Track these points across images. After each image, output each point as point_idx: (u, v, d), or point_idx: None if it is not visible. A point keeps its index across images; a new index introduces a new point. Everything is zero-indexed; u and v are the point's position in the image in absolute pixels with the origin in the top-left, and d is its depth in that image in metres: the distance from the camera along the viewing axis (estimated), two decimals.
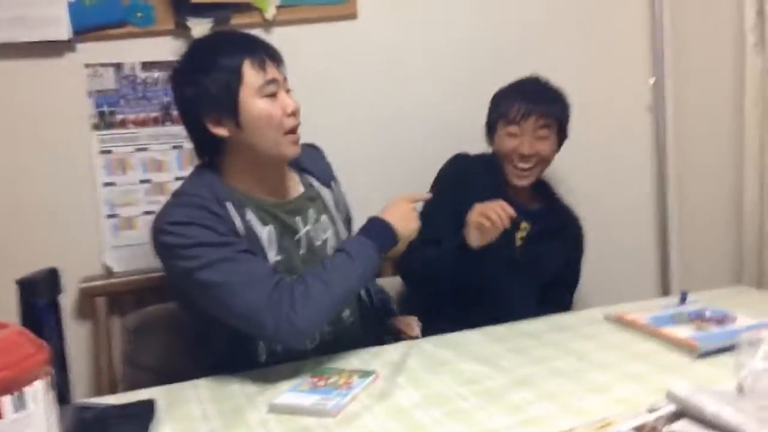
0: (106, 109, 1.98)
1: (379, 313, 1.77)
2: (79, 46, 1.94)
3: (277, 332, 1.36)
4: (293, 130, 1.50)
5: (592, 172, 2.39)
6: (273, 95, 1.47)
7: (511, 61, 2.18)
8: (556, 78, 2.00)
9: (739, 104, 2.20)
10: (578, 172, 2.32)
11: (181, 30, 2.00)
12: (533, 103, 1.90)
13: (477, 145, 2.03)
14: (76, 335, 1.96)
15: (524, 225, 1.94)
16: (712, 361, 1.34)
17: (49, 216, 1.95)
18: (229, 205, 1.45)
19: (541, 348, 1.48)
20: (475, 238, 1.69)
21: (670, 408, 1.08)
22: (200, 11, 2.00)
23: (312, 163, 1.68)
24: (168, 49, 1.99)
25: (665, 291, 2.46)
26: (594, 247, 2.11)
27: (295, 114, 1.49)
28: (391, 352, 1.53)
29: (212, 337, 1.51)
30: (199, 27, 2.00)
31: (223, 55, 1.46)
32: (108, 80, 1.97)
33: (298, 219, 1.56)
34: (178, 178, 2.00)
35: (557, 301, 1.92)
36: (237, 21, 2.05)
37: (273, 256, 1.49)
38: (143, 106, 2.01)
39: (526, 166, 1.91)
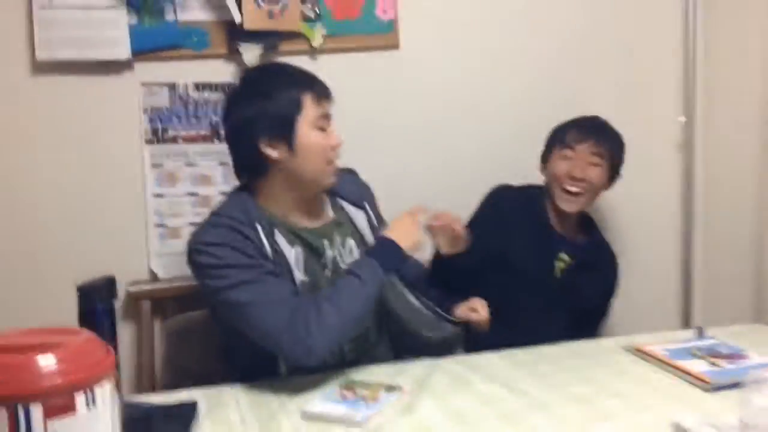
0: (159, 125, 2.11)
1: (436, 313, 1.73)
2: (137, 66, 2.09)
3: (293, 353, 1.46)
4: (331, 162, 1.62)
5: (621, 202, 2.45)
6: (324, 129, 1.59)
7: (546, 91, 2.28)
8: (588, 113, 2.09)
9: (765, 144, 2.25)
10: (609, 203, 2.39)
11: (233, 54, 2.13)
12: (590, 131, 2.02)
13: (519, 173, 2.13)
14: (121, 336, 2.09)
15: (564, 257, 2.03)
16: (722, 396, 1.39)
17: (103, 223, 2.09)
18: (259, 227, 1.55)
19: (559, 373, 1.56)
20: (439, 246, 1.76)
21: None
22: (252, 38, 2.12)
23: (344, 186, 1.76)
24: (219, 71, 2.14)
25: (686, 324, 2.51)
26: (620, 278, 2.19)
27: (338, 148, 1.62)
28: (416, 368, 1.61)
29: (237, 350, 1.63)
30: (250, 52, 2.12)
31: (287, 83, 1.59)
32: (162, 98, 2.11)
33: (324, 242, 1.65)
34: (222, 193, 2.12)
35: (585, 332, 1.97)
36: (285, 47, 2.17)
37: (300, 276, 1.58)
38: (193, 125, 2.14)
39: (575, 189, 2.00)
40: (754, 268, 2.33)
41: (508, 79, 2.37)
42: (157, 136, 2.11)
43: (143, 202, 2.12)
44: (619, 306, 2.22)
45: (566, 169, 1.99)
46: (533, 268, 2.02)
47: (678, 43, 2.48)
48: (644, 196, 2.50)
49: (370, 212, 1.79)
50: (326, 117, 1.60)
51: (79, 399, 0.83)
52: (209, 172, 2.16)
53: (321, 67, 2.06)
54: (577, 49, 2.42)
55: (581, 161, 1.99)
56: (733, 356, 1.59)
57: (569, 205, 2.01)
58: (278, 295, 1.49)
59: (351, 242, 1.71)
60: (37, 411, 0.80)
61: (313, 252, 1.63)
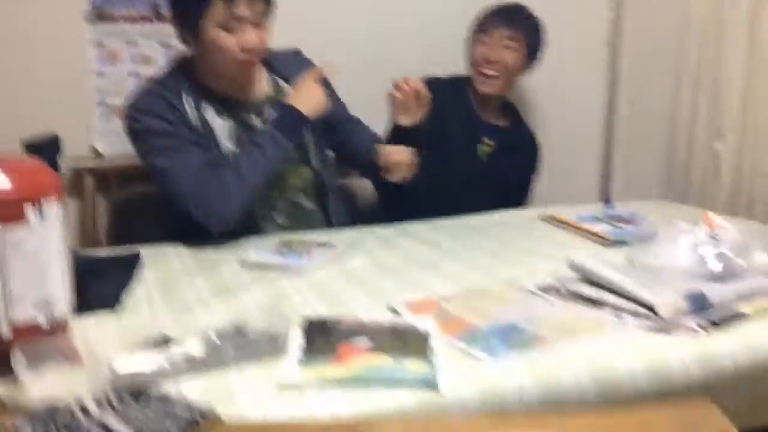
0: (100, 4, 2.12)
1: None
2: None
3: (199, 218, 1.59)
4: (246, 63, 1.65)
5: (549, 91, 2.57)
6: (232, 29, 1.59)
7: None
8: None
9: (683, 39, 2.39)
10: (538, 91, 2.51)
11: None
12: (505, 16, 2.13)
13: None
14: (65, 211, 2.15)
15: (487, 141, 2.15)
16: (618, 251, 1.56)
17: (45, 101, 2.12)
18: (185, 96, 1.64)
19: (477, 235, 1.71)
20: (399, 116, 1.80)
21: (572, 275, 1.32)
22: None
23: (286, 67, 1.83)
24: None
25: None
26: (547, 160, 2.33)
27: (250, 50, 1.62)
28: (349, 233, 1.74)
29: (173, 213, 1.69)
30: None
31: None
32: None
33: (253, 116, 1.74)
34: None
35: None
36: None
37: (229, 146, 1.68)
38: (134, 3, 2.15)
39: (491, 72, 2.11)
40: (666, 150, 2.51)
41: None
42: (98, 15, 2.13)
43: (84, 80, 2.15)
44: (544, 187, 2.38)
45: (482, 52, 2.11)
46: (460, 153, 2.15)
47: None
48: (571, 82, 2.63)
49: None
50: (238, 19, 1.58)
51: (29, 210, 0.92)
52: (150, 53, 2.19)
53: None
54: None
55: (496, 45, 2.10)
56: (633, 221, 1.76)
57: (486, 87, 2.13)
58: (189, 163, 1.60)
59: None
60: None
61: (243, 125, 1.71)
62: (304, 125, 1.68)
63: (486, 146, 2.17)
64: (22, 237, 0.92)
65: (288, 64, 1.84)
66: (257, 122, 1.74)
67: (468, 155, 2.17)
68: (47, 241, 0.96)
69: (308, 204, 1.82)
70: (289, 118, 1.66)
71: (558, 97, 2.58)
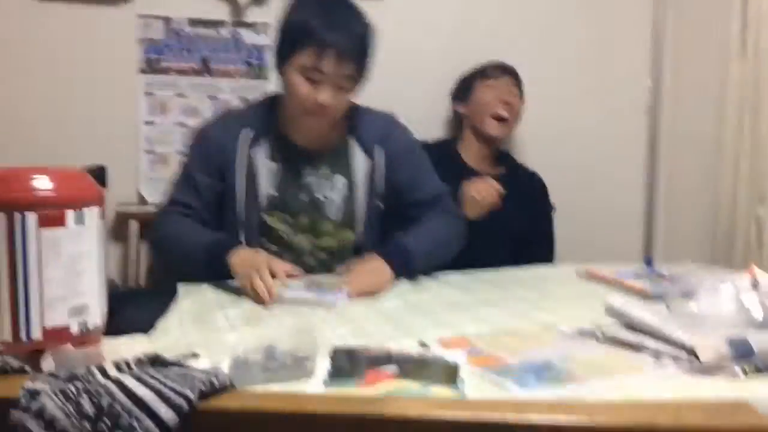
0: (153, 56, 2.22)
1: None
2: None
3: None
4: (313, 116, 1.66)
5: (590, 156, 2.57)
6: (312, 81, 1.61)
7: (510, 51, 2.38)
8: (559, 73, 2.22)
9: (722, 105, 2.40)
10: (577, 158, 2.51)
11: None
12: (506, 69, 2.21)
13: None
14: (108, 255, 2.19)
15: None
16: (658, 304, 1.52)
17: (97, 147, 2.19)
18: (246, 133, 1.68)
19: (510, 283, 1.70)
20: (471, 211, 1.90)
21: (610, 321, 1.28)
22: None
23: (364, 127, 1.79)
24: (213, 9, 2.25)
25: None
26: (587, 228, 2.31)
27: (320, 107, 1.63)
28: None
29: None
30: None
31: (312, 21, 1.60)
32: (157, 31, 2.22)
33: (308, 168, 1.75)
34: None
35: (534, 257, 2.09)
36: None
37: (269, 190, 1.71)
38: (185, 58, 2.25)
39: (506, 114, 2.13)
40: (709, 218, 2.47)
41: (469, 38, 2.47)
42: (150, 67, 2.23)
43: (134, 129, 2.23)
44: (585, 256, 2.34)
45: (495, 94, 2.15)
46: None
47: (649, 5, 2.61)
48: (612, 150, 2.63)
49: (376, 159, 1.78)
50: (321, 72, 1.60)
51: (69, 215, 0.95)
52: (198, 104, 2.27)
53: None
54: (547, 6, 2.54)
55: (504, 89, 2.14)
56: (674, 279, 1.71)
57: (500, 130, 2.15)
58: (179, 198, 1.74)
59: (341, 180, 1.77)
60: (31, 219, 0.92)
61: (291, 170, 1.73)
62: None
63: None
64: (60, 241, 0.94)
65: (373, 127, 1.80)
66: (310, 176, 1.75)
67: None
68: (85, 249, 0.98)
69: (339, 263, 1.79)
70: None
71: (599, 164, 2.58)
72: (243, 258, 1.54)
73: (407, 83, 2.31)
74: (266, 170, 1.70)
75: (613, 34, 2.60)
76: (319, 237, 1.77)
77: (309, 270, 1.71)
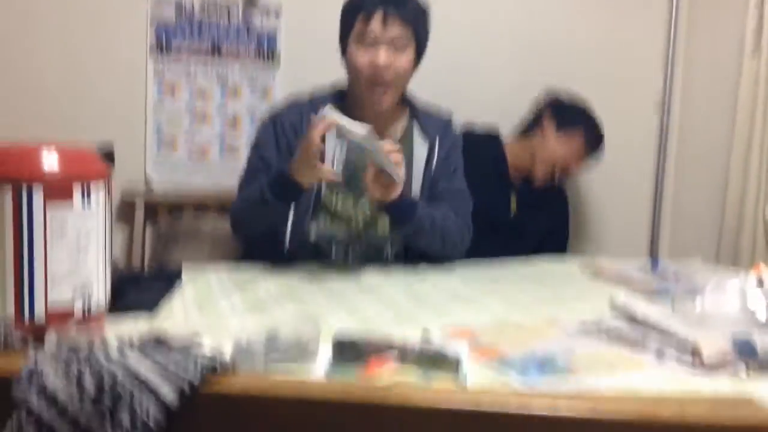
0: (163, 38, 2.22)
1: None
2: None
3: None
4: (374, 82, 1.70)
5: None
6: (370, 46, 1.69)
7: (531, 65, 2.38)
8: (576, 78, 2.21)
9: (733, 104, 2.38)
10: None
11: None
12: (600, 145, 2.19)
13: None
14: (115, 239, 2.21)
15: (515, 199, 2.16)
16: (663, 301, 1.51)
17: (105, 125, 2.19)
18: (316, 116, 1.66)
19: (518, 279, 1.69)
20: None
21: (614, 317, 1.28)
22: None
23: (427, 117, 1.85)
24: None
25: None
26: (594, 229, 2.30)
27: (377, 68, 1.68)
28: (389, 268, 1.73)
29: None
30: None
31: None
32: (169, 13, 2.22)
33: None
34: (219, 107, 2.25)
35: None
36: None
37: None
38: (196, 40, 2.24)
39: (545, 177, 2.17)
40: (716, 215, 2.46)
41: (492, 50, 2.50)
42: (161, 48, 2.22)
43: (143, 109, 2.23)
44: (591, 247, 2.35)
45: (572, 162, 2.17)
46: (491, 207, 2.13)
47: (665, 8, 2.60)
48: (621, 146, 2.60)
49: (437, 150, 1.82)
50: (370, 35, 1.67)
51: (76, 191, 0.95)
52: (207, 87, 2.27)
53: None
54: (565, 17, 2.55)
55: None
56: (680, 277, 1.71)
57: (545, 182, 2.17)
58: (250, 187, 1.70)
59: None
60: (38, 193, 0.91)
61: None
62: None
63: (514, 203, 2.17)
64: (66, 217, 0.94)
65: (435, 117, 1.87)
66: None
67: (500, 212, 2.15)
68: (91, 226, 0.98)
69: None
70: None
71: (608, 159, 2.55)
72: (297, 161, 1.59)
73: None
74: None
75: (626, 32, 2.58)
76: (372, 217, 1.78)
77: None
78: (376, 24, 1.67)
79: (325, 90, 1.83)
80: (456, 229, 1.79)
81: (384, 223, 1.77)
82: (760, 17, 2.27)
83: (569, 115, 2.18)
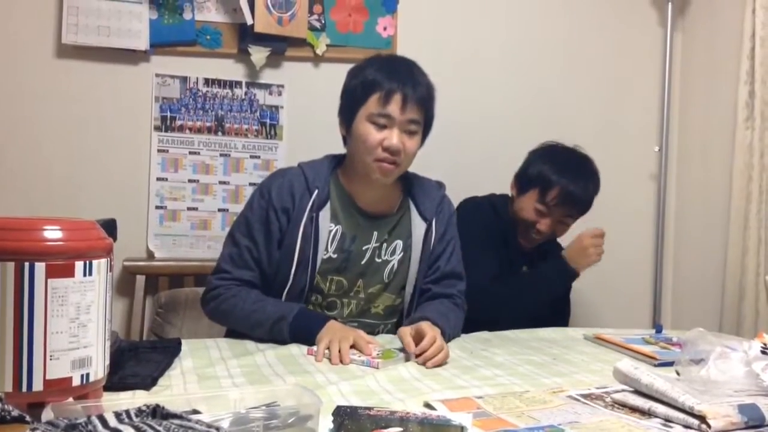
0: (168, 114, 2.27)
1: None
2: (153, 58, 2.27)
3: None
4: (382, 160, 1.67)
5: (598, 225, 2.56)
6: (383, 126, 1.66)
7: (526, 123, 2.43)
8: (566, 141, 2.24)
9: (728, 173, 2.41)
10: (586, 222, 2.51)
11: (242, 54, 2.31)
12: (571, 203, 2.07)
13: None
14: (114, 309, 2.19)
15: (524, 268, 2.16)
16: (668, 370, 1.49)
17: (108, 200, 2.22)
18: (312, 191, 1.68)
19: (520, 348, 1.67)
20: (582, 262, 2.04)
21: (618, 386, 1.26)
22: (261, 41, 2.30)
23: (423, 194, 1.82)
24: (228, 69, 2.32)
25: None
26: (596, 299, 2.29)
27: (390, 150, 1.66)
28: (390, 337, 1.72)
29: None
30: (258, 54, 2.30)
31: (377, 75, 1.67)
32: (174, 90, 2.27)
33: (369, 231, 1.74)
34: (221, 182, 2.27)
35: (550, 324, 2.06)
36: (291, 53, 2.35)
37: (327, 250, 1.69)
38: (200, 116, 2.29)
39: (540, 239, 2.14)
40: (716, 285, 2.45)
41: (491, 111, 2.56)
42: (165, 124, 2.27)
43: (147, 184, 2.26)
44: (593, 320, 2.33)
45: (538, 220, 2.09)
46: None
47: (658, 77, 2.65)
48: (622, 212, 2.63)
49: (434, 227, 1.80)
50: (388, 117, 1.65)
51: (78, 265, 0.95)
52: (211, 162, 2.30)
53: (322, 74, 2.24)
54: (560, 82, 2.61)
55: (554, 220, 2.10)
56: (685, 345, 1.68)
57: (533, 243, 2.15)
58: (234, 254, 1.71)
59: (399, 244, 1.78)
60: (40, 268, 0.92)
61: (358, 236, 1.72)
62: None
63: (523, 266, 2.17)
64: (68, 292, 0.95)
65: (431, 193, 1.84)
66: (373, 241, 1.74)
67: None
68: (92, 299, 0.98)
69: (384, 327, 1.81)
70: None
71: (607, 231, 2.57)
72: (333, 328, 1.56)
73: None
74: (326, 233, 1.69)
75: (622, 102, 2.64)
76: (368, 301, 1.76)
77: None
78: (394, 108, 1.65)
79: (318, 162, 1.79)
80: (460, 322, 1.79)
81: (378, 307, 1.77)
82: (752, 87, 2.32)
83: (524, 179, 2.15)
